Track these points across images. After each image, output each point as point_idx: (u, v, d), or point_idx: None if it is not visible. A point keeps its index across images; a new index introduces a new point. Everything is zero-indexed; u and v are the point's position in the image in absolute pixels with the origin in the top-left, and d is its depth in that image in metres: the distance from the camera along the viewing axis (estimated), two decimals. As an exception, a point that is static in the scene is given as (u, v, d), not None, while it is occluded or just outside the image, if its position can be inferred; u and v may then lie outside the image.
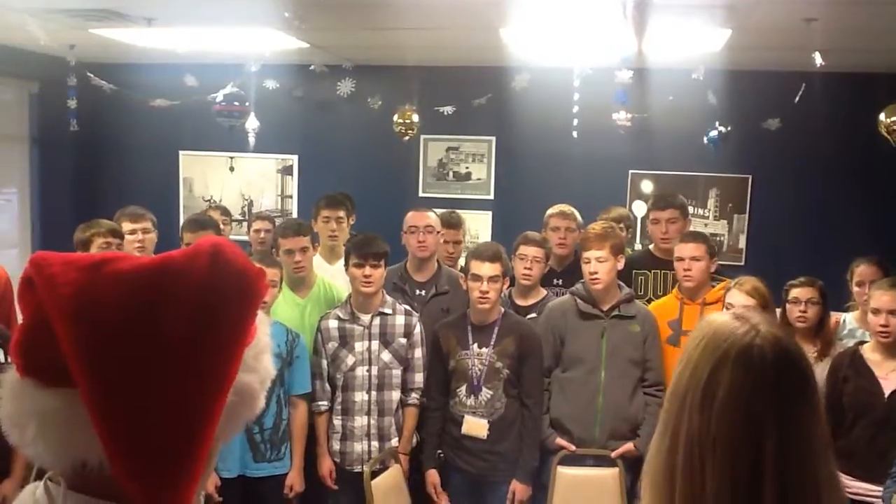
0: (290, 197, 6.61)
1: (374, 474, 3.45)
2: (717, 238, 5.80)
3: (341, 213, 4.47)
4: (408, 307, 3.83)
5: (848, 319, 4.08)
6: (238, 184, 6.69)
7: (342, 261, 3.94)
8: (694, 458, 1.05)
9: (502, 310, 3.71)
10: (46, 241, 6.08)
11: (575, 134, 5.14)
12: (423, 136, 6.11)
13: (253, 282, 0.90)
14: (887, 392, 3.31)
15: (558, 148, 5.75)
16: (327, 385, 3.71)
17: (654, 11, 3.92)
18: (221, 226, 4.84)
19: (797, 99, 4.75)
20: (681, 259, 3.82)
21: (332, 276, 4.26)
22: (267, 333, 0.96)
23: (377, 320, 3.69)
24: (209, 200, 6.61)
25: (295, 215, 6.29)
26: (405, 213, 4.24)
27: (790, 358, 1.09)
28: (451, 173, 6.36)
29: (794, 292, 3.71)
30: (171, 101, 5.72)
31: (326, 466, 3.69)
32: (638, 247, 5.56)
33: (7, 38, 5.35)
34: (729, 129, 5.13)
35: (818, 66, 4.17)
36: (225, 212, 5.61)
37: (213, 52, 5.37)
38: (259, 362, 0.93)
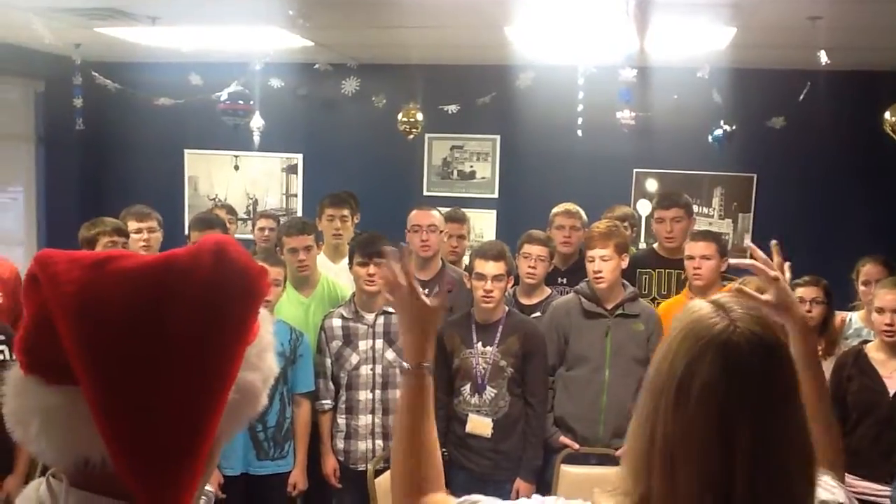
0: (295, 196, 6.62)
1: (378, 473, 3.45)
2: (723, 237, 5.79)
3: (345, 212, 4.47)
4: (412, 306, 3.82)
5: (854, 318, 4.07)
6: (243, 182, 6.70)
7: (346, 259, 3.94)
8: (667, 451, 1.05)
9: (506, 308, 3.71)
10: (52, 239, 6.10)
11: (579, 132, 5.14)
12: (427, 135, 6.11)
13: (256, 280, 0.90)
14: (892, 391, 3.30)
15: (563, 146, 5.75)
16: (331, 384, 3.71)
17: (659, 9, 3.91)
18: (227, 225, 4.85)
19: (802, 97, 4.74)
20: (691, 258, 3.80)
21: (335, 274, 4.26)
22: (270, 332, 0.96)
23: (381, 319, 3.69)
24: (214, 199, 6.62)
25: (299, 214, 6.30)
26: (409, 212, 4.24)
27: (768, 355, 1.07)
28: (455, 172, 6.36)
29: (799, 291, 3.70)
30: (176, 99, 5.73)
31: (330, 465, 3.70)
32: (642, 246, 5.56)
33: (13, 38, 5.37)
34: (734, 127, 5.12)
35: (823, 64, 4.17)
36: (231, 210, 5.63)
37: (217, 51, 5.38)
38: (262, 360, 0.93)
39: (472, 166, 6.33)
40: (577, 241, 4.31)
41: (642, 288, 4.18)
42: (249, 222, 6.07)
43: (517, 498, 3.55)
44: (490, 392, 3.60)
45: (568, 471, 3.59)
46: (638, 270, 4.23)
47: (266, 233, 5.11)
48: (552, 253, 4.02)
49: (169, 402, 0.79)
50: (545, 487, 3.63)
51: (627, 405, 3.61)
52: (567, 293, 3.96)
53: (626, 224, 4.39)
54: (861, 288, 4.01)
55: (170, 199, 6.42)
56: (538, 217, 4.58)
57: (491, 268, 3.55)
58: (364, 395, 3.66)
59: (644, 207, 5.93)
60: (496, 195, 6.31)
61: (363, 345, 3.66)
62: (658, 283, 4.28)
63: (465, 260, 4.42)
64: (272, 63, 5.35)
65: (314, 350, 3.74)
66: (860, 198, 5.63)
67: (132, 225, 4.26)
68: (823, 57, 4.17)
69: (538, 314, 3.90)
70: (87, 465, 0.81)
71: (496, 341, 3.61)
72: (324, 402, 3.71)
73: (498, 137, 6.25)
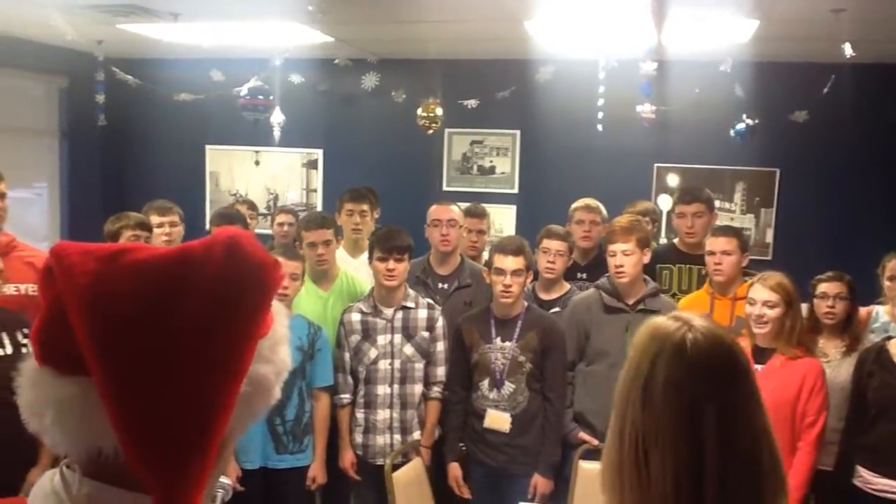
0: (315, 191, 6.64)
1: (396, 467, 3.46)
2: (745, 232, 5.74)
3: (365, 207, 4.48)
4: (430, 301, 3.83)
5: (881, 312, 4.02)
6: (263, 178, 6.73)
7: (365, 254, 3.95)
8: (639, 450, 1.12)
9: (525, 304, 3.70)
10: (75, 234, 6.17)
11: (600, 127, 5.11)
12: (446, 130, 6.10)
13: (268, 273, 0.90)
14: (913, 388, 3.26)
15: (583, 141, 5.72)
16: (349, 378, 3.72)
17: (682, 2, 3.88)
18: (248, 220, 4.87)
19: (826, 90, 4.69)
20: (712, 253, 3.78)
21: (355, 269, 4.27)
22: (284, 325, 0.96)
23: (400, 314, 3.69)
24: (235, 194, 6.66)
25: (319, 209, 6.31)
26: (429, 207, 4.24)
27: (723, 346, 1.17)
28: (475, 167, 6.35)
29: (822, 287, 3.66)
30: (197, 95, 5.77)
31: (349, 459, 3.71)
32: (663, 241, 5.52)
33: (37, 35, 5.43)
34: (756, 121, 5.06)
35: (847, 56, 4.11)
36: (252, 206, 5.66)
37: (237, 47, 5.41)
38: (275, 353, 0.93)
39: (491, 161, 6.32)
40: (596, 236, 4.29)
41: (662, 283, 4.16)
42: (270, 217, 6.09)
43: (535, 493, 3.56)
44: (509, 387, 3.60)
45: (586, 466, 3.57)
46: (658, 266, 4.20)
47: (285, 228, 5.13)
48: (571, 248, 4.00)
49: (180, 394, 0.79)
50: (563, 483, 3.62)
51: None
52: (586, 288, 3.94)
53: (647, 219, 4.37)
54: (887, 283, 3.94)
55: (191, 194, 6.47)
56: (558, 212, 4.56)
57: (510, 263, 3.55)
58: (382, 390, 3.67)
59: (665, 202, 5.89)
60: (516, 190, 6.28)
61: (382, 339, 3.67)
62: (678, 278, 4.25)
63: (485, 255, 4.41)
64: (292, 59, 5.37)
65: (333, 344, 3.76)
66: (884, 192, 5.55)
67: (154, 219, 4.29)
68: (848, 49, 4.11)
69: (557, 309, 3.88)
70: (99, 455, 0.82)
71: (515, 336, 3.61)
72: (342, 396, 3.72)
73: (518, 132, 6.23)
